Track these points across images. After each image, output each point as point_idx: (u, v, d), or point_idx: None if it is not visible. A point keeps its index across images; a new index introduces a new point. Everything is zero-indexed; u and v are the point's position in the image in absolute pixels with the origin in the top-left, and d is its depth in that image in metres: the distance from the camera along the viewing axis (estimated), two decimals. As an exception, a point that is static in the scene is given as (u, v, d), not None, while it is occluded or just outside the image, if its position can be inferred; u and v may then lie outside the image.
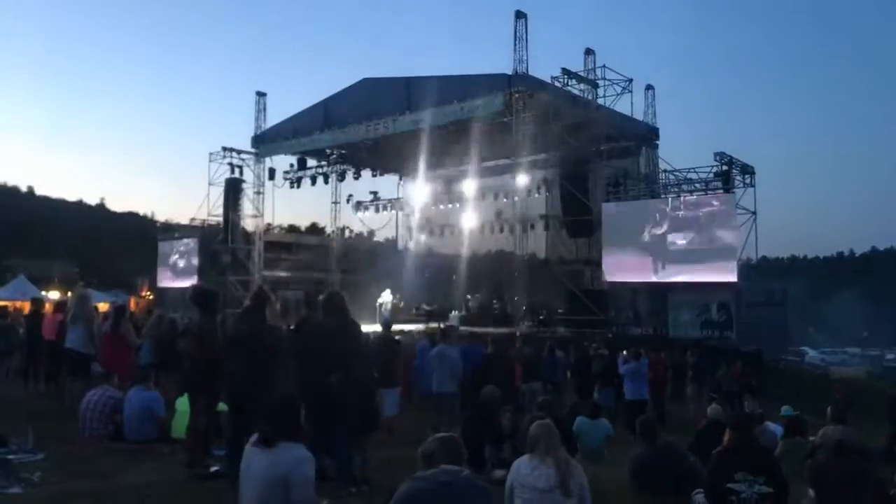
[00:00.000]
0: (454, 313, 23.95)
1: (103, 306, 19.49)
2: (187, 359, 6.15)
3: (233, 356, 5.73)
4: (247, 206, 29.77)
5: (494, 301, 24.10)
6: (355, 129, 25.09)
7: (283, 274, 31.05)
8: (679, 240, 19.11)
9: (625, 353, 12.78)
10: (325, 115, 26.37)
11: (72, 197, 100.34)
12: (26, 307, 19.44)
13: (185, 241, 30.43)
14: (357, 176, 30.94)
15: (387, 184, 36.39)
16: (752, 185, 19.78)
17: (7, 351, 11.67)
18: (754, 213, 19.47)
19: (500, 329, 20.14)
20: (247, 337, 5.71)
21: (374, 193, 32.49)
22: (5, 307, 15.18)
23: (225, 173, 29.07)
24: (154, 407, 7.50)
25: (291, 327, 6.80)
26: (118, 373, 8.47)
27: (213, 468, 6.00)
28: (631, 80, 22.76)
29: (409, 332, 19.11)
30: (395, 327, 13.58)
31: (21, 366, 11.20)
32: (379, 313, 21.71)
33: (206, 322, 6.16)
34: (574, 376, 13.59)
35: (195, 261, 29.36)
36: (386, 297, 23.93)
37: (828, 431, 4.63)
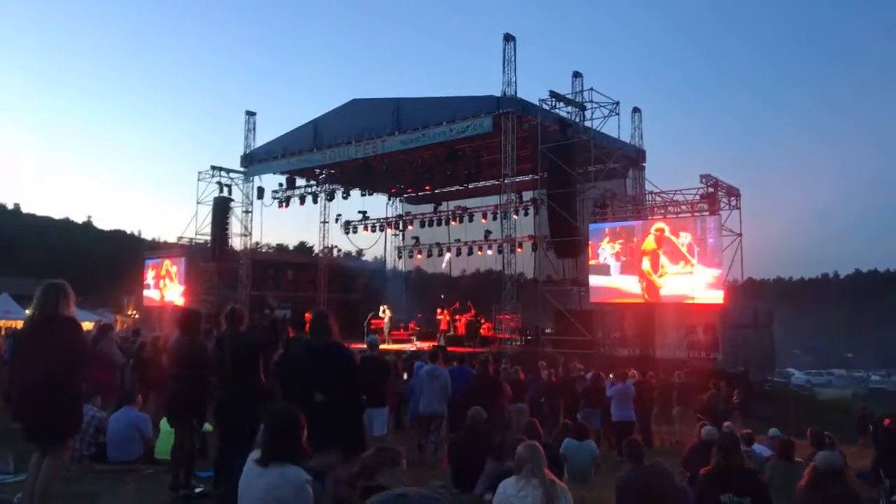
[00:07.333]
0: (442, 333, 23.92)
1: (88, 325, 19.29)
2: (172, 379, 6.11)
3: (221, 375, 5.73)
4: (235, 225, 29.79)
5: (482, 320, 24.08)
6: (344, 149, 25.19)
7: (270, 293, 30.89)
8: (665, 261, 19.23)
9: (612, 375, 12.77)
10: (315, 134, 26.45)
11: (58, 215, 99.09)
12: (13, 324, 19.19)
13: (173, 259, 30.30)
14: (346, 196, 30.96)
15: (376, 204, 36.45)
16: (738, 208, 19.96)
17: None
18: (740, 234, 19.65)
19: (488, 349, 20.11)
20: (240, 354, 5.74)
21: (363, 213, 32.52)
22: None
23: (213, 192, 29.12)
24: (142, 427, 7.45)
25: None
26: (99, 392, 8.34)
27: (198, 489, 5.95)
28: (618, 103, 23.01)
29: (397, 352, 19.04)
30: (383, 347, 13.49)
31: (3, 385, 11.01)
32: (367, 332, 21.59)
33: (191, 343, 6.13)
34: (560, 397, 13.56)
35: (182, 280, 29.23)
36: (387, 319, 23.77)
37: (818, 457, 4.65)
